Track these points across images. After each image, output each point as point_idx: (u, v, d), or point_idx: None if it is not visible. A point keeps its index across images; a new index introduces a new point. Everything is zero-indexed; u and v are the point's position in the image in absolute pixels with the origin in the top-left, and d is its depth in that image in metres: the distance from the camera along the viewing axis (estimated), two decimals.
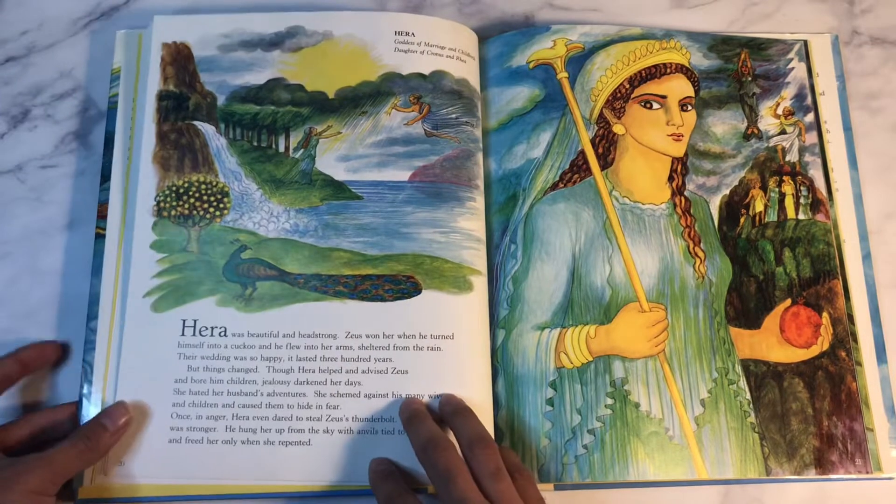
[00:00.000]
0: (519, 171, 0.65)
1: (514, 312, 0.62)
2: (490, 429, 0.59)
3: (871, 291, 0.66)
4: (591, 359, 0.61)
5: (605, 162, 0.66)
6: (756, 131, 0.68)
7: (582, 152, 0.66)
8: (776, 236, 0.65)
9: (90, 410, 0.58)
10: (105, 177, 0.64)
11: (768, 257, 0.65)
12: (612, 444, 0.59)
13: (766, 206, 0.66)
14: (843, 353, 0.63)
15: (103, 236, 0.62)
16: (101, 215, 0.63)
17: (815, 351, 0.63)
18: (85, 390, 0.59)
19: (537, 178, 0.65)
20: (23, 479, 0.50)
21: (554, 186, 0.65)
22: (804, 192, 0.67)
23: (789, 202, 0.67)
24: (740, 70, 0.70)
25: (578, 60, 0.68)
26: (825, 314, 0.64)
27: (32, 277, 0.64)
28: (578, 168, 0.66)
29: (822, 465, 0.60)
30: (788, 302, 0.64)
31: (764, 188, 0.67)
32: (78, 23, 0.71)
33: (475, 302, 0.62)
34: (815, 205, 0.67)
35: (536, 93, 0.67)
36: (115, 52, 0.67)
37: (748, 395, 0.61)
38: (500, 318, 0.62)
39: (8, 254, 0.64)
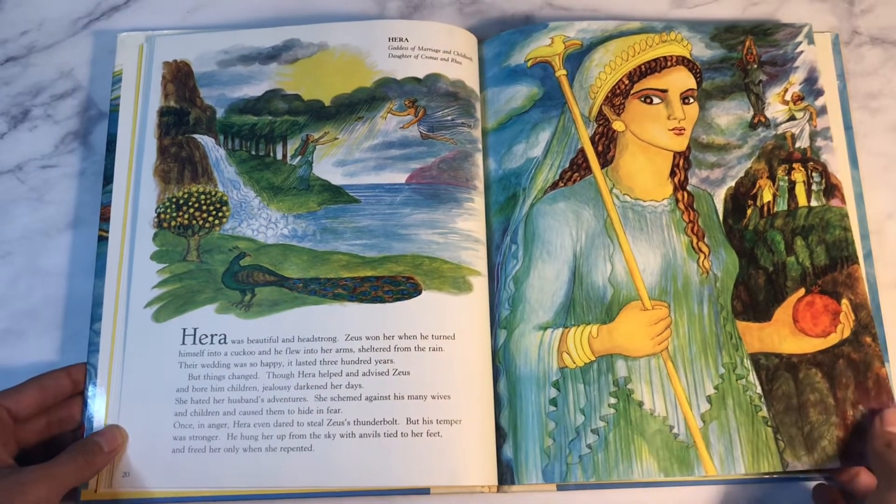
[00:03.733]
0: (519, 170, 0.62)
1: (516, 312, 0.59)
2: (491, 429, 0.56)
3: (873, 290, 0.61)
4: (593, 358, 0.57)
5: (605, 160, 0.62)
6: (763, 119, 0.64)
7: (581, 150, 0.62)
8: (786, 225, 0.61)
9: (94, 412, 0.57)
10: (107, 179, 0.63)
11: (778, 248, 0.60)
12: (616, 444, 0.55)
13: (774, 196, 0.62)
14: (868, 339, 0.58)
15: (106, 239, 0.61)
16: (104, 218, 0.62)
17: (833, 340, 0.58)
18: (90, 392, 0.57)
19: (537, 177, 0.62)
20: (26, 491, 0.48)
21: (554, 185, 0.61)
22: (816, 178, 0.62)
23: (800, 190, 0.62)
24: (745, 58, 0.65)
25: (577, 57, 0.65)
26: (845, 301, 0.59)
27: (33, 277, 0.62)
28: (578, 166, 0.62)
29: (849, 456, 0.55)
30: (802, 291, 0.59)
31: (772, 177, 0.62)
32: (78, 23, 0.70)
33: (475, 302, 0.59)
34: (829, 190, 0.62)
35: (535, 91, 0.64)
36: (116, 54, 0.66)
37: (759, 389, 0.57)
38: (502, 318, 0.59)
39: (8, 254, 0.63)
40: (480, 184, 0.62)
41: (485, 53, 0.66)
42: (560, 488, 0.56)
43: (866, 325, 0.58)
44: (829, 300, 0.59)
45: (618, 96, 0.63)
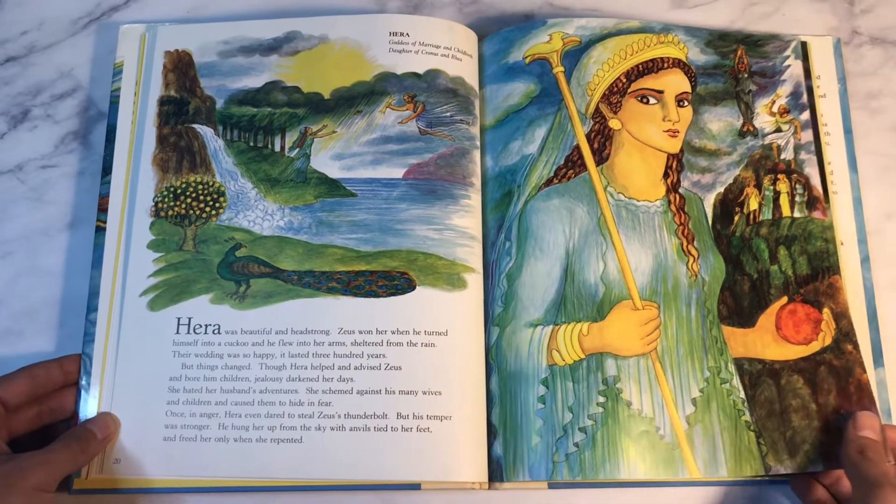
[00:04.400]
0: (514, 167, 0.62)
1: (508, 310, 0.58)
2: (483, 426, 0.56)
3: (870, 295, 0.61)
4: (583, 356, 0.57)
5: (601, 157, 0.62)
6: (751, 128, 0.64)
7: (577, 147, 0.62)
8: (770, 234, 0.61)
9: (88, 401, 0.56)
10: (106, 170, 0.62)
11: (762, 255, 0.60)
12: (602, 443, 0.55)
13: (760, 205, 0.62)
14: (850, 347, 0.58)
15: (104, 229, 0.60)
16: (102, 208, 0.61)
17: (815, 347, 0.58)
18: (83, 381, 0.57)
19: (532, 174, 0.61)
20: (27, 476, 0.48)
21: (548, 182, 0.61)
22: (799, 191, 0.62)
23: (784, 200, 0.62)
24: (737, 66, 0.65)
25: (575, 54, 0.64)
26: (826, 310, 0.59)
27: (33, 277, 0.61)
28: (573, 163, 0.61)
29: (831, 459, 0.55)
30: (785, 299, 0.59)
31: (759, 186, 0.62)
32: (78, 23, 0.68)
33: (469, 299, 0.58)
34: (812, 202, 0.62)
35: (532, 88, 0.63)
36: (118, 46, 0.65)
37: (742, 394, 0.57)
38: (495, 315, 0.58)
39: (8, 254, 0.62)
40: (477, 181, 0.62)
41: (484, 50, 0.65)
42: (551, 486, 0.56)
43: (847, 333, 0.58)
44: (810, 309, 0.59)
45: (615, 94, 0.63)
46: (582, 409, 0.56)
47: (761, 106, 0.64)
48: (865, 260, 0.62)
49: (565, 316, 0.58)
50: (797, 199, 0.62)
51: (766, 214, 0.61)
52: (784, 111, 0.64)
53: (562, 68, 0.64)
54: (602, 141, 0.62)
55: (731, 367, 0.58)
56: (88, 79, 0.67)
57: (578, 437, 0.55)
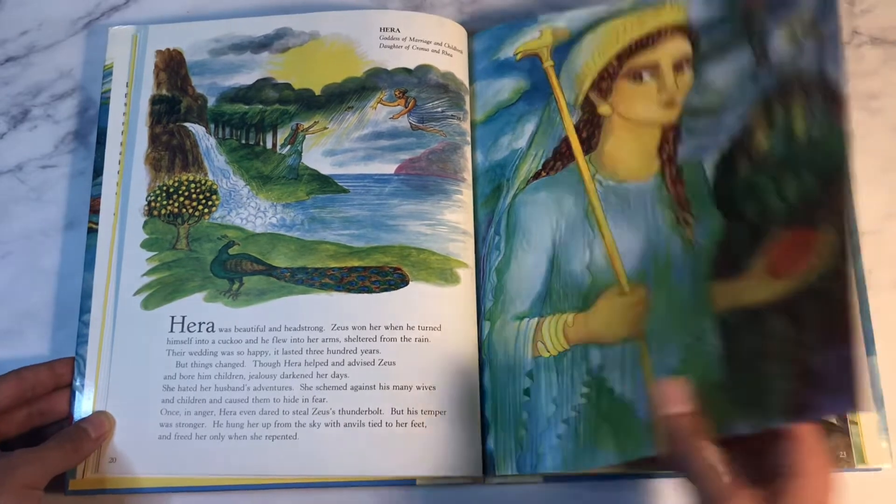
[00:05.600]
0: (503, 161, 0.60)
1: (498, 304, 0.57)
2: (477, 421, 0.55)
3: (861, 284, 0.57)
4: (567, 347, 0.55)
5: (590, 146, 0.59)
6: (766, 65, 0.54)
7: (565, 139, 0.60)
8: (779, 167, 0.50)
9: (82, 402, 0.55)
10: (97, 171, 0.61)
11: (766, 195, 0.51)
12: (585, 434, 0.53)
13: (769, 138, 0.52)
14: (845, 270, 0.43)
15: (95, 231, 0.59)
16: (94, 210, 0.60)
17: (808, 277, 0.46)
18: (77, 383, 0.56)
19: (521, 168, 0.60)
20: (18, 474, 0.47)
21: (537, 175, 0.59)
22: (818, 101, 0.49)
23: (798, 116, 0.50)
24: (748, 5, 0.56)
25: (566, 47, 0.62)
26: (824, 228, 0.45)
27: (32, 277, 0.60)
28: (561, 155, 0.59)
29: (795, 411, 0.44)
30: (785, 232, 0.49)
31: (770, 121, 0.52)
32: (77, 23, 0.67)
33: (462, 294, 0.57)
34: (832, 108, 0.47)
35: (522, 84, 0.62)
36: (107, 48, 0.64)
37: (721, 351, 0.49)
38: (486, 309, 0.57)
39: (8, 254, 0.61)
40: (469, 176, 0.60)
41: (475, 47, 0.64)
42: (546, 480, 0.54)
43: (843, 252, 0.44)
44: (808, 232, 0.47)
45: (605, 80, 0.60)
46: (566, 400, 0.54)
47: (778, 34, 0.53)
48: (855, 250, 0.58)
49: (550, 307, 0.56)
50: (815, 113, 0.49)
51: (777, 148, 0.51)
52: (808, 27, 0.50)
53: (551, 63, 0.62)
54: (591, 130, 0.59)
55: (712, 324, 0.50)
56: (88, 79, 0.66)
57: (561, 428, 0.53)
